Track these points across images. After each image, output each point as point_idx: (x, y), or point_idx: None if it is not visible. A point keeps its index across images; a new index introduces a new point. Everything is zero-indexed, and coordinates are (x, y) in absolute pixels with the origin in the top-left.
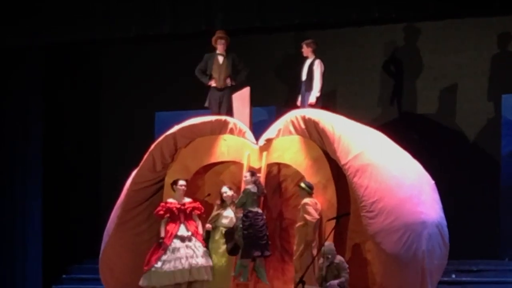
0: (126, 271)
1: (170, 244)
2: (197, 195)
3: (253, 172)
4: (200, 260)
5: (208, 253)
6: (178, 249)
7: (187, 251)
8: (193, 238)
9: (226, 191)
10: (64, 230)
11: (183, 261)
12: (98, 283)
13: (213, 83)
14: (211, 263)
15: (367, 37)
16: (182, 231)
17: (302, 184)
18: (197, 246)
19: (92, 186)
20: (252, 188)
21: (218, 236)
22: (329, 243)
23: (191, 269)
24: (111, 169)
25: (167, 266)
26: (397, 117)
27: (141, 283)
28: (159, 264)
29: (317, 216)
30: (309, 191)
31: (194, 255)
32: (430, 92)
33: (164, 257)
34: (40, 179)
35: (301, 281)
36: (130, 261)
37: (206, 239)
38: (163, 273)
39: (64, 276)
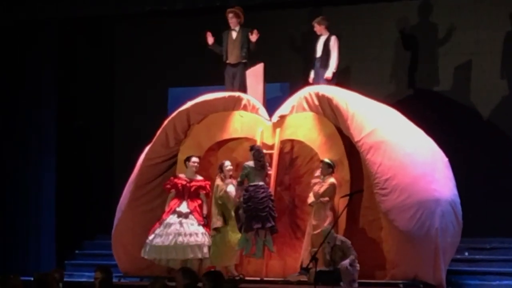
0: (139, 246)
1: (166, 219)
2: (210, 171)
3: (253, 146)
4: (187, 239)
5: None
6: (171, 225)
7: (178, 228)
8: (190, 216)
9: (228, 165)
10: (78, 206)
11: (170, 237)
12: (111, 259)
13: (209, 38)
14: (204, 241)
15: (382, 14)
16: (182, 207)
17: (328, 160)
18: (190, 224)
19: (105, 162)
20: (250, 163)
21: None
22: (326, 227)
23: (187, 247)
24: (124, 145)
25: (156, 240)
26: (411, 94)
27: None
28: (151, 237)
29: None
30: (333, 167)
31: (183, 234)
32: (445, 69)
33: (157, 231)
34: (54, 155)
35: (314, 258)
36: (143, 237)
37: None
38: (152, 247)
39: (77, 251)
